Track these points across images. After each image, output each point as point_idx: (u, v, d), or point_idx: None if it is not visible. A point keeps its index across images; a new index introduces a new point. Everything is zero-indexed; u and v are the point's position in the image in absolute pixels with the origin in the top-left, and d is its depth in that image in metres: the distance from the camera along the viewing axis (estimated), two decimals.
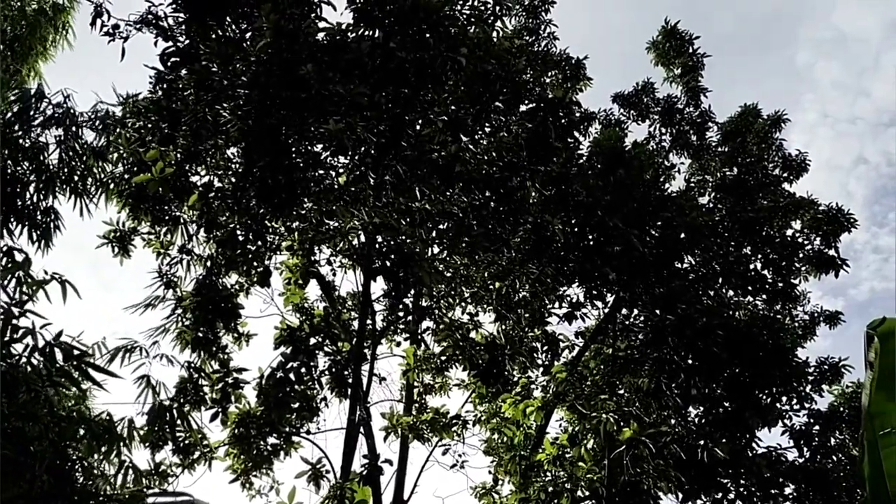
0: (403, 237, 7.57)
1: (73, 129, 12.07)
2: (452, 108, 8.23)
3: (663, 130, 15.23)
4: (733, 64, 33.34)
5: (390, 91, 7.67)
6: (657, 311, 11.42)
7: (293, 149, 7.65)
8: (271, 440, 11.72)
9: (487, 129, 8.91)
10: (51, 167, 12.06)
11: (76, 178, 12.24)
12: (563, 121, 8.61)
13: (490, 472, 11.87)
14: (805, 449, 13.73)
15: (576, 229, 11.12)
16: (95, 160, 11.97)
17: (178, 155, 8.08)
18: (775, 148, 15.54)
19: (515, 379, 11.10)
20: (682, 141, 15.28)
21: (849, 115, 34.49)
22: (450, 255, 10.43)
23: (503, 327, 10.89)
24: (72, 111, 12.11)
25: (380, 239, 7.91)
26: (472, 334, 11.11)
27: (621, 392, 11.60)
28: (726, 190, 14.88)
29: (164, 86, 8.23)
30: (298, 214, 9.73)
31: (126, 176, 12.00)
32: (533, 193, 9.01)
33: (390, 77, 7.43)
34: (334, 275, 11.92)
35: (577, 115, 8.88)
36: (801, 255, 14.45)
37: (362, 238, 10.14)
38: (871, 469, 3.30)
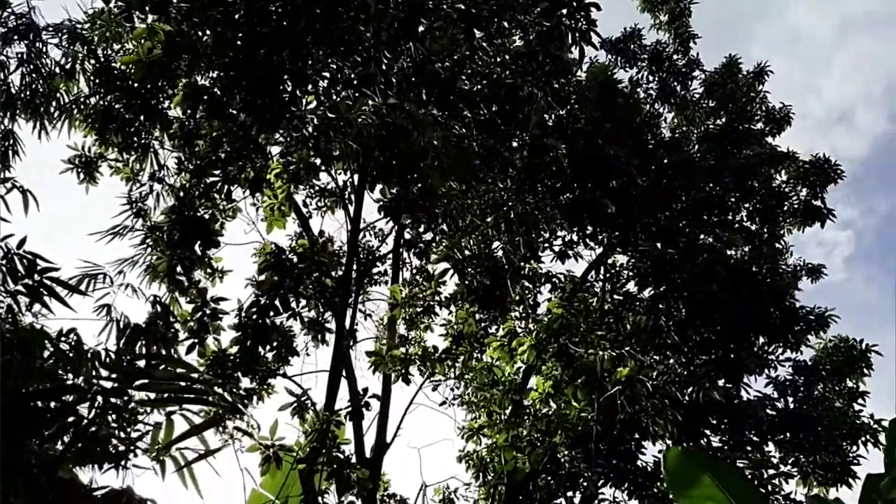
0: (414, 128, 6.93)
1: (38, 44, 11.14)
2: None
3: (650, 78, 14.85)
4: None
5: None
6: (658, 245, 11.02)
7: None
8: (246, 383, 11.01)
9: (502, 27, 8.36)
10: (11, 87, 11.11)
11: (39, 101, 11.32)
12: (579, 23, 8.10)
13: (480, 408, 11.26)
14: (790, 400, 13.56)
15: (575, 157, 10.68)
16: (62, 80, 11.04)
17: (169, 28, 7.31)
18: (759, 100, 15.35)
19: (512, 311, 10.58)
20: (667, 90, 14.93)
21: (799, 111, 35.08)
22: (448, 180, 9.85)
23: (500, 256, 10.36)
24: (36, 25, 11.15)
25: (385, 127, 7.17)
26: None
27: (618, 328, 11.17)
28: (712, 140, 14.60)
29: None
30: (290, 126, 9.07)
31: (91, 99, 11.15)
32: (541, 102, 8.47)
33: None
34: (315, 200, 11.28)
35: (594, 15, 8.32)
36: (786, 207, 14.30)
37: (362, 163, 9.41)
38: None
